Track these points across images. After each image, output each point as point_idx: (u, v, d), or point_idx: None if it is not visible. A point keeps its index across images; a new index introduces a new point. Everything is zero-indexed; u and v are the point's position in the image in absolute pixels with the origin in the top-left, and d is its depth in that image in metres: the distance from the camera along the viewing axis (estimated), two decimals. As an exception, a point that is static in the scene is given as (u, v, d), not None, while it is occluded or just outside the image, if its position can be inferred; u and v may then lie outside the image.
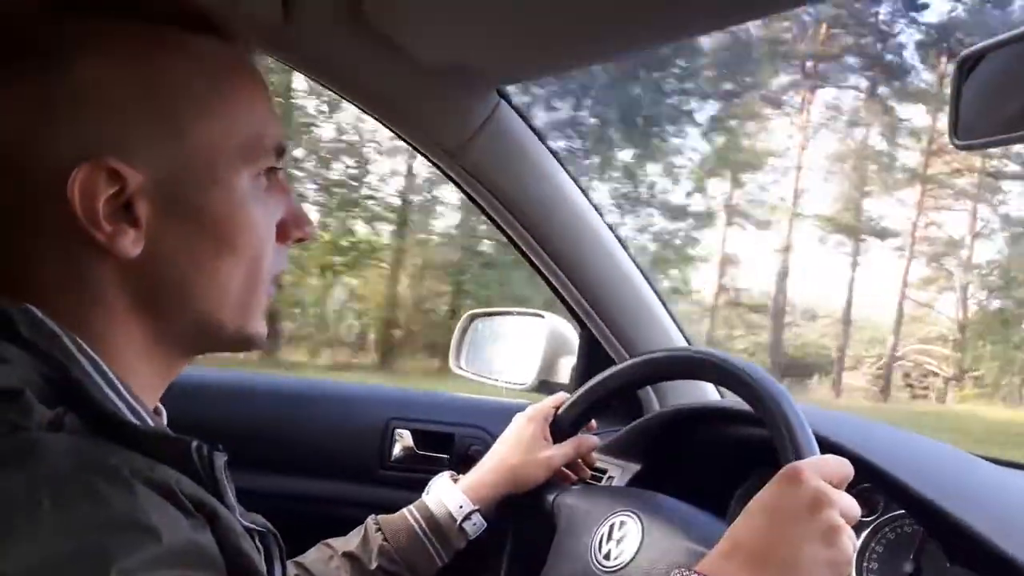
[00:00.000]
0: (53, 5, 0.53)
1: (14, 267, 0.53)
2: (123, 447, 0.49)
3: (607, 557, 0.78)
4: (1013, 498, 0.82)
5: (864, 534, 0.88)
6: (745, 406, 0.78)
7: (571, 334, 1.31)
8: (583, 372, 1.27)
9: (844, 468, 0.66)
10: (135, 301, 0.55)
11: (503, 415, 1.01)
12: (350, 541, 0.87)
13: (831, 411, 0.98)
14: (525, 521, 0.92)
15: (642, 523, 0.78)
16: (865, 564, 0.88)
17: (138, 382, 0.55)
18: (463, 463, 1.15)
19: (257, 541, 0.60)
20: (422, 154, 1.16)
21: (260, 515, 0.64)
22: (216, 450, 0.54)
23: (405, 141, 1.14)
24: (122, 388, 0.53)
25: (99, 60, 0.52)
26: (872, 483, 0.85)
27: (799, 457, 0.68)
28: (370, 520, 0.89)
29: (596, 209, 1.23)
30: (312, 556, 0.86)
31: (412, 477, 1.27)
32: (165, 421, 0.62)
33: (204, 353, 0.62)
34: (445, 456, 1.33)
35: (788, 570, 0.58)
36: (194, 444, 0.53)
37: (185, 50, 0.56)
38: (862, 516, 0.88)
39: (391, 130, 1.13)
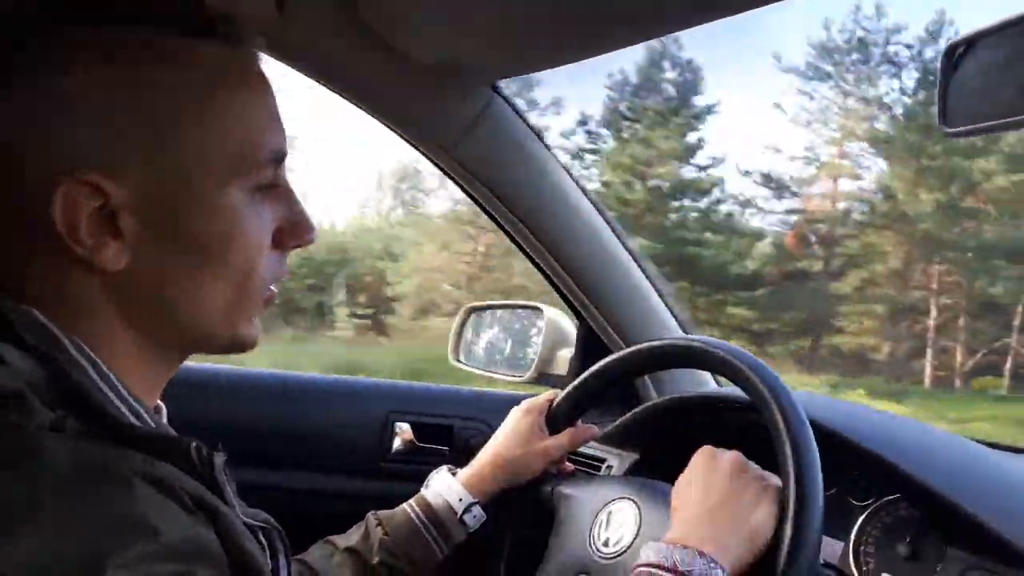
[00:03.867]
0: (46, 17, 0.52)
1: (7, 275, 0.53)
2: (124, 448, 0.49)
3: (606, 544, 0.79)
4: (1006, 480, 0.83)
5: (861, 519, 0.89)
6: (740, 393, 0.79)
7: (569, 326, 1.32)
8: (581, 364, 1.27)
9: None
10: (122, 312, 0.55)
11: (502, 407, 1.01)
12: (351, 537, 0.88)
13: (825, 397, 0.99)
14: (524, 512, 0.93)
15: (639, 509, 0.79)
16: (862, 548, 0.89)
17: (136, 382, 0.56)
18: (463, 455, 1.16)
19: (260, 537, 0.60)
20: (417, 149, 1.16)
21: (263, 510, 0.65)
22: (216, 450, 0.55)
23: (400, 136, 1.14)
24: (122, 389, 0.54)
25: (88, 72, 0.52)
26: (868, 468, 0.86)
27: (790, 432, 0.69)
28: (370, 515, 0.90)
29: (592, 201, 1.23)
30: (314, 553, 0.87)
31: (413, 470, 1.28)
32: (165, 419, 0.62)
33: (198, 354, 0.62)
34: (445, 448, 1.34)
35: (726, 525, 0.68)
36: (194, 444, 0.53)
37: (178, 60, 0.54)
38: (859, 501, 0.89)
39: (385, 125, 1.13)
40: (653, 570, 0.64)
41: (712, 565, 0.63)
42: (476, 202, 1.22)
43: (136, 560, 0.43)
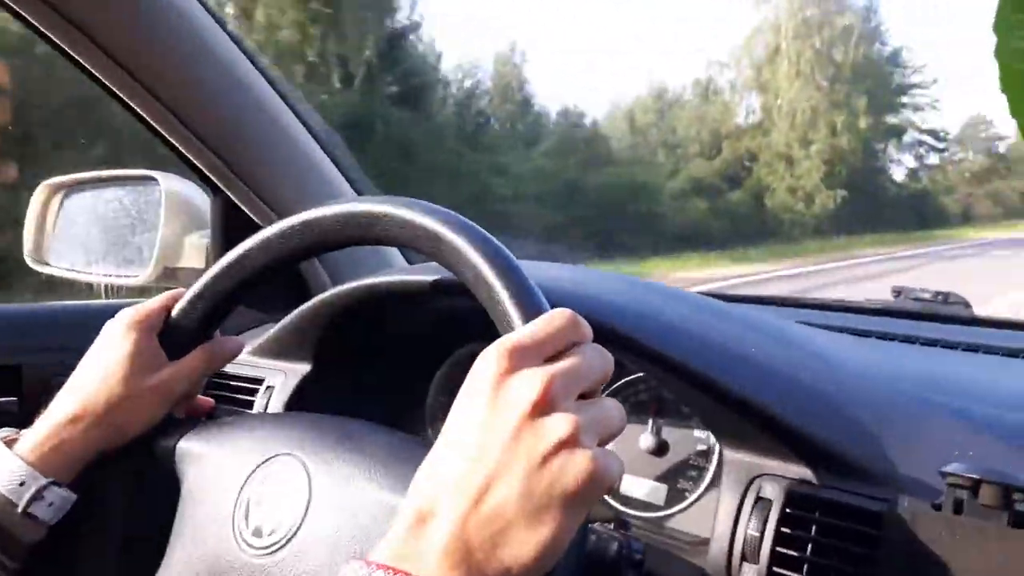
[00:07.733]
0: None
1: None
2: None
3: (257, 534, 0.50)
4: (748, 334, 0.69)
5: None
6: (444, 272, 0.54)
7: (200, 200, 0.98)
8: (222, 250, 0.94)
9: (574, 326, 0.43)
10: None
11: (100, 325, 0.65)
12: None
13: (547, 263, 0.78)
14: (135, 485, 0.63)
15: (307, 471, 0.51)
16: None
17: None
18: (44, 407, 0.79)
19: None
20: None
21: None
22: None
23: None
24: None
25: None
26: (604, 344, 0.67)
27: (523, 313, 0.44)
28: None
29: (231, 36, 0.90)
30: None
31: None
32: None
33: None
34: (12, 399, 0.94)
35: (510, 528, 0.37)
36: None
37: None
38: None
39: None
40: None
41: None
42: (52, 43, 0.81)
43: None
